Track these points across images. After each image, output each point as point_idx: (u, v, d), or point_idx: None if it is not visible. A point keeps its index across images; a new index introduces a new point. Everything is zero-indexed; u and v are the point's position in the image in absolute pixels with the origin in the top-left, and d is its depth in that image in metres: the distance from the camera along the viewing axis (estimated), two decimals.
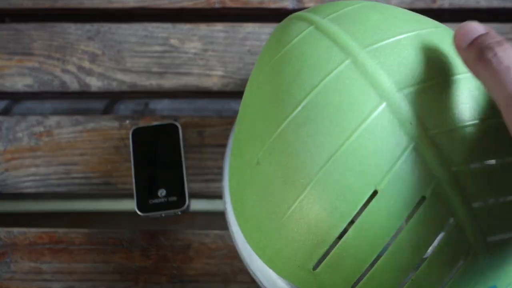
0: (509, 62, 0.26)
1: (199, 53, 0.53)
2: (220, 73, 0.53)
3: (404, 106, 0.28)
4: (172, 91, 0.53)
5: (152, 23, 0.54)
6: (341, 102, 0.29)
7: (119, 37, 0.54)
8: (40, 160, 0.51)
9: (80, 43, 0.54)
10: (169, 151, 0.50)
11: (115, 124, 0.52)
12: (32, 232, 0.49)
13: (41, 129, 0.52)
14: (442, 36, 0.32)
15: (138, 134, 0.50)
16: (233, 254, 0.48)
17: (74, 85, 0.53)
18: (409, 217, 0.28)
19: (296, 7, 0.54)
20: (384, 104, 0.28)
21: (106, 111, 0.57)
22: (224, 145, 0.51)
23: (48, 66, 0.54)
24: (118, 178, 0.51)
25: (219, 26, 0.54)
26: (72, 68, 0.54)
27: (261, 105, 0.32)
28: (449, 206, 0.28)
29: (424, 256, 0.29)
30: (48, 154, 0.51)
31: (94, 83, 0.53)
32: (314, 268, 0.30)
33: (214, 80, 0.53)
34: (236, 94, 0.53)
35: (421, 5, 0.54)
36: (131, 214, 0.50)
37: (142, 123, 0.51)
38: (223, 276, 0.48)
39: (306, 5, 0.54)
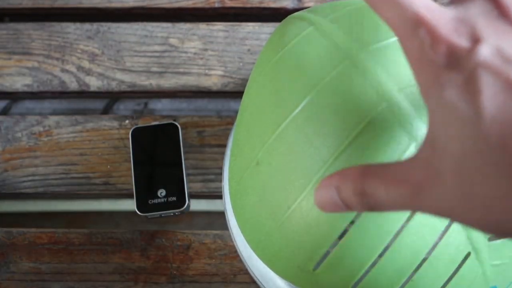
0: None
1: (199, 52, 0.53)
2: (219, 72, 0.53)
3: (405, 107, 0.28)
4: (172, 91, 0.53)
5: (152, 23, 0.54)
6: (341, 102, 0.29)
7: (119, 36, 0.54)
8: (39, 160, 0.51)
9: (79, 43, 0.54)
10: (169, 151, 0.50)
11: (115, 124, 0.52)
12: (31, 232, 0.49)
13: (40, 129, 0.52)
14: None
15: (138, 134, 0.50)
16: (233, 254, 0.48)
17: (73, 85, 0.53)
18: (410, 217, 0.28)
19: (296, 6, 0.54)
20: (384, 105, 0.28)
21: (106, 111, 0.57)
22: (224, 145, 0.50)
23: (47, 65, 0.54)
24: (117, 178, 0.50)
25: (218, 26, 0.54)
26: (72, 68, 0.53)
27: (261, 105, 0.32)
28: None
29: (425, 257, 0.29)
30: (47, 154, 0.51)
31: (94, 83, 0.53)
32: (314, 268, 0.30)
33: (213, 79, 0.53)
34: (236, 94, 0.53)
35: None
36: (130, 214, 0.50)
37: (141, 123, 0.51)
38: (223, 276, 0.47)
39: (306, 4, 0.54)
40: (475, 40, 0.20)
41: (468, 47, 0.20)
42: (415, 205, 0.22)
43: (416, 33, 0.22)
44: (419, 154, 0.23)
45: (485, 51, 0.20)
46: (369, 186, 0.24)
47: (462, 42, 0.21)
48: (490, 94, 0.20)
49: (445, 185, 0.21)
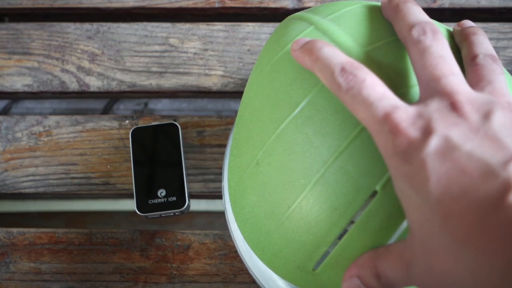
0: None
1: (199, 52, 0.53)
2: (219, 72, 0.53)
3: None
4: (172, 91, 0.53)
5: (152, 23, 0.54)
6: (340, 102, 0.29)
7: (119, 36, 0.54)
8: (40, 160, 0.51)
9: (79, 43, 0.54)
10: (169, 151, 0.50)
11: (115, 124, 0.52)
12: (31, 232, 0.49)
13: (41, 129, 0.52)
14: None
15: (138, 134, 0.50)
16: (233, 254, 0.48)
17: (73, 85, 0.53)
18: None
19: (296, 6, 0.54)
20: None
21: (106, 111, 0.57)
22: (224, 145, 0.50)
23: (47, 65, 0.54)
24: (117, 178, 0.50)
25: (218, 26, 0.54)
26: (72, 68, 0.54)
27: (261, 105, 0.32)
28: None
29: None
30: (47, 154, 0.51)
31: (94, 83, 0.53)
32: (314, 268, 0.30)
33: (213, 80, 0.53)
34: (236, 94, 0.53)
35: (421, 4, 0.54)
36: (130, 214, 0.50)
37: (141, 123, 0.51)
38: (223, 276, 0.47)
39: (306, 4, 0.54)
40: (428, 132, 0.24)
41: (421, 138, 0.24)
42: (408, 281, 0.26)
43: (383, 130, 0.25)
44: (408, 235, 0.26)
45: (434, 141, 0.24)
46: (380, 267, 0.27)
47: (417, 134, 0.24)
48: (436, 179, 0.23)
49: (418, 263, 0.25)
